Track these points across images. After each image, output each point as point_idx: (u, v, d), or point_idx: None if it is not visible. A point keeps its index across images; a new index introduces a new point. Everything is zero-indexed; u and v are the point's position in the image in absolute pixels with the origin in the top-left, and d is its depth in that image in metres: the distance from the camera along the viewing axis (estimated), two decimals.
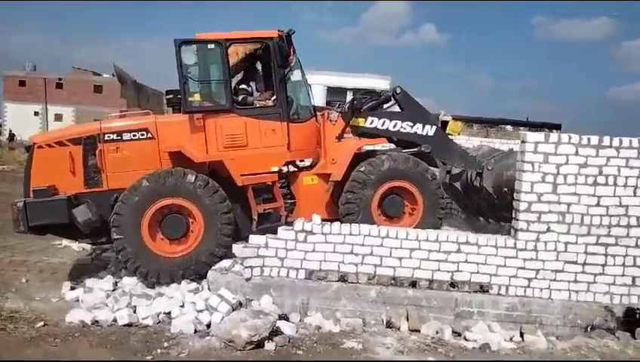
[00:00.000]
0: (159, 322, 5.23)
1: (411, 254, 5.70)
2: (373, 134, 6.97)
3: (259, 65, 7.46)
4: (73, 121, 43.16)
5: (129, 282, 6.17)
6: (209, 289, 5.71)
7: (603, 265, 5.62)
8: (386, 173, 6.47)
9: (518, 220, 5.64)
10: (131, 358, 4.42)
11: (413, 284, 5.72)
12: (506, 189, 6.61)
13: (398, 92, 7.00)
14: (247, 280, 5.70)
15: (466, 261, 5.68)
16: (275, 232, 5.83)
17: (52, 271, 7.18)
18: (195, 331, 4.97)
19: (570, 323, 5.59)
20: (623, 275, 5.62)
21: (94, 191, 6.27)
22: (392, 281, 5.73)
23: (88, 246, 8.30)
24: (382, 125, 6.93)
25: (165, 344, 4.68)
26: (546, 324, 5.58)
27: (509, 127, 21.04)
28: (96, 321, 5.27)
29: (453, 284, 5.71)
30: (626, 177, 5.56)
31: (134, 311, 5.44)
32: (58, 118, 42.80)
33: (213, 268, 5.96)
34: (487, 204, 7.52)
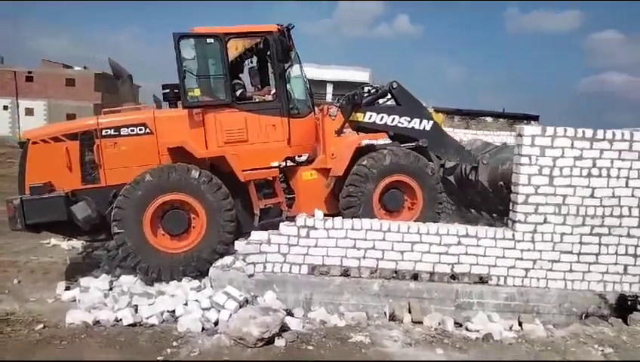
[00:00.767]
0: (164, 321, 5.17)
1: (413, 247, 5.78)
2: (371, 129, 7.01)
3: (254, 60, 7.38)
4: (45, 115, 41.95)
5: (126, 281, 6.08)
6: (211, 286, 5.67)
7: (597, 255, 5.80)
8: (387, 168, 6.52)
9: (516, 212, 5.76)
10: (144, 358, 4.35)
11: (415, 277, 5.80)
12: (501, 183, 6.72)
13: (394, 86, 7.04)
14: (250, 276, 5.69)
15: (465, 253, 5.79)
16: (277, 228, 5.82)
17: (44, 270, 7.02)
18: (203, 329, 4.93)
19: (566, 312, 5.77)
20: (615, 264, 5.82)
21: (92, 188, 6.16)
22: (394, 274, 5.80)
23: (78, 245, 8.16)
24: (380, 120, 6.98)
25: (174, 343, 4.63)
26: (543, 313, 5.75)
27: (489, 119, 21.43)
28: (98, 321, 5.17)
29: (453, 276, 5.81)
30: (619, 169, 5.72)
31: (136, 311, 5.36)
32: (29, 112, 41.47)
33: (214, 265, 5.93)
34: (481, 198, 7.66)
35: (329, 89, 33.22)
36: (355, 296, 5.73)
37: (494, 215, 8.05)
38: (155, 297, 5.53)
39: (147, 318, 5.14)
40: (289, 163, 6.91)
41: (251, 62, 7.39)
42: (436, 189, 6.68)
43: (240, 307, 5.05)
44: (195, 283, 5.79)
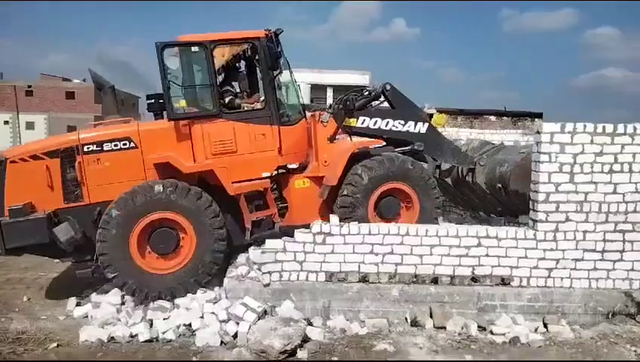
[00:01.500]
0: (180, 335, 5.02)
1: (432, 251, 5.64)
2: (365, 134, 6.78)
3: (242, 65, 7.08)
4: (46, 129, 41.86)
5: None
6: (227, 297, 5.52)
7: (621, 252, 5.65)
8: (383, 175, 6.27)
9: (537, 211, 5.62)
10: None
11: (435, 281, 5.65)
12: (499, 185, 6.57)
13: (387, 89, 6.81)
14: (266, 285, 5.54)
15: (486, 255, 5.65)
16: (271, 239, 5.67)
17: (53, 287, 6.87)
18: (222, 343, 4.79)
19: (592, 311, 5.61)
20: None
21: (75, 206, 5.91)
22: (414, 279, 5.65)
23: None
24: (374, 124, 6.75)
25: (194, 358, 4.49)
26: (568, 313, 5.59)
27: (492, 118, 21.27)
28: (113, 338, 5.03)
29: (474, 279, 5.66)
30: None
31: (151, 325, 5.22)
32: (30, 126, 41.41)
33: (228, 275, 5.77)
34: (479, 199, 7.51)
35: (329, 93, 33.12)
36: (375, 303, 5.58)
37: (492, 215, 7.93)
38: (169, 311, 5.38)
39: (163, 333, 5.00)
40: (281, 171, 6.56)
41: (240, 67, 7.08)
42: (434, 196, 6.43)
43: (259, 318, 4.90)
44: (211, 294, 5.63)
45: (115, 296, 5.97)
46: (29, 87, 43.59)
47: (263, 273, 5.56)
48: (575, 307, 5.60)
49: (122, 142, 5.96)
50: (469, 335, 5.13)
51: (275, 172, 6.49)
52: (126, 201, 5.62)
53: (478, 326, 5.39)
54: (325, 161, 6.53)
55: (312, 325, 5.24)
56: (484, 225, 6.35)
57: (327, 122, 6.66)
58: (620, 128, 5.57)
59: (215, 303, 5.41)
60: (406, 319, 5.51)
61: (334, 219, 5.75)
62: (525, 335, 5.11)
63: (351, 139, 6.93)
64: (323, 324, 5.36)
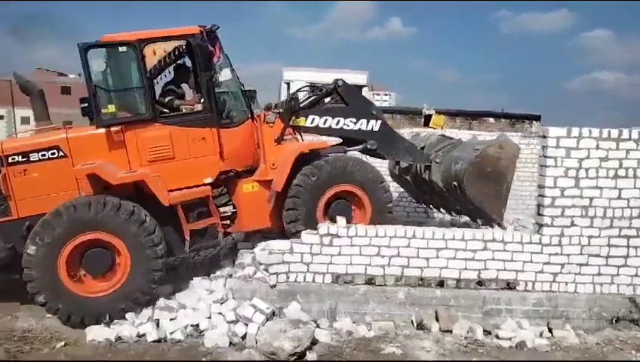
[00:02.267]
0: (188, 336, 5.02)
1: (438, 254, 5.66)
2: (316, 133, 6.67)
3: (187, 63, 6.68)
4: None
5: None
6: (233, 298, 5.52)
7: (626, 257, 5.68)
8: (332, 177, 6.14)
9: (542, 215, 5.65)
10: None
11: (441, 284, 5.68)
12: (455, 183, 6.53)
13: (340, 85, 6.64)
14: (273, 286, 5.55)
15: (492, 258, 5.67)
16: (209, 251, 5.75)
17: None
18: (231, 344, 4.79)
19: (596, 316, 5.64)
20: None
21: (2, 222, 5.60)
22: (420, 282, 5.67)
23: None
24: (324, 123, 6.56)
25: (204, 359, 4.49)
26: (573, 318, 5.62)
27: (491, 119, 21.40)
28: (120, 338, 5.02)
29: (480, 282, 5.69)
30: None
31: (158, 325, 5.21)
32: (25, 121, 41.14)
33: (235, 275, 5.78)
34: (439, 197, 7.46)
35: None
36: (381, 305, 5.60)
37: (452, 213, 7.93)
38: (176, 311, 5.37)
39: (171, 333, 4.99)
40: (230, 175, 6.31)
41: (190, 66, 6.63)
42: (384, 198, 6.36)
43: (267, 320, 4.91)
44: (217, 295, 5.63)
45: None
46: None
47: (270, 274, 5.56)
48: (579, 312, 5.64)
49: (50, 152, 5.59)
50: (476, 339, 5.16)
51: (223, 176, 6.20)
52: (49, 224, 5.23)
53: (484, 330, 5.42)
54: (273, 164, 6.27)
55: (319, 327, 5.25)
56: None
57: (273, 123, 6.42)
58: (625, 134, 5.60)
59: (222, 304, 5.40)
60: (412, 322, 5.53)
61: (341, 221, 5.76)
62: (531, 339, 5.15)
63: (302, 140, 6.75)
64: (329, 326, 5.37)
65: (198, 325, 5.14)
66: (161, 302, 5.56)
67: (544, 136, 5.71)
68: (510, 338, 5.18)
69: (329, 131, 6.68)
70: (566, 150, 5.59)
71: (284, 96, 14.61)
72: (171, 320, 5.23)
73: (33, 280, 5.27)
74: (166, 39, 6.02)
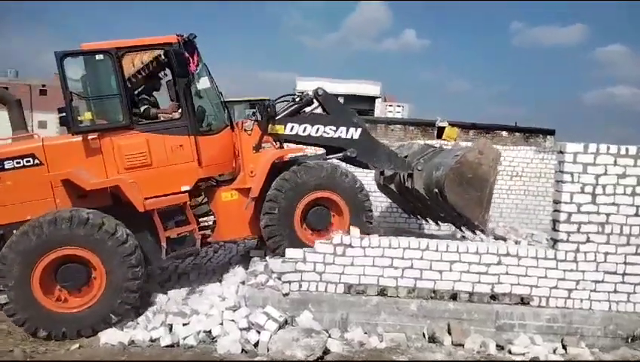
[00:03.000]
0: (201, 341, 5.05)
1: (451, 267, 5.63)
2: (295, 141, 6.67)
3: (165, 73, 6.69)
4: (57, 127, 42.27)
5: (160, 299, 5.97)
6: (246, 305, 5.54)
7: None
8: (310, 183, 6.15)
9: (558, 231, 5.61)
10: None
11: (454, 297, 5.65)
12: (436, 190, 6.49)
13: (320, 93, 6.62)
14: (285, 295, 5.56)
15: (506, 273, 5.63)
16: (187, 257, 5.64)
17: None
18: (243, 351, 4.81)
19: (612, 334, 5.57)
20: None
21: None
22: (433, 294, 5.65)
23: None
24: (303, 131, 6.55)
25: None
26: (587, 335, 5.56)
27: (504, 133, 21.30)
28: (133, 341, 5.08)
29: (493, 297, 5.65)
30: None
31: (170, 330, 5.25)
32: (42, 125, 41.97)
33: (248, 283, 5.81)
34: (422, 205, 7.42)
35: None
36: (392, 317, 5.58)
37: (439, 222, 7.86)
38: (189, 316, 5.41)
39: (184, 339, 5.03)
40: (211, 183, 6.34)
41: (161, 75, 6.70)
42: (363, 205, 6.33)
43: (279, 328, 4.92)
44: (229, 302, 5.66)
45: None
46: (44, 86, 44.14)
47: (283, 282, 5.58)
48: (594, 329, 5.57)
49: (25, 159, 5.53)
50: (489, 354, 5.13)
51: (203, 185, 6.23)
52: (18, 244, 5.18)
53: (497, 345, 5.37)
54: (252, 172, 6.29)
55: (330, 337, 5.25)
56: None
57: (251, 130, 6.45)
58: None
59: (234, 311, 5.43)
60: (424, 334, 5.51)
61: (355, 231, 5.77)
62: (545, 355, 5.10)
63: (282, 147, 6.76)
64: (341, 336, 5.37)
65: (210, 331, 5.17)
66: (174, 307, 5.61)
67: (561, 152, 5.68)
68: (523, 354, 5.14)
69: (308, 139, 6.66)
70: (583, 166, 5.56)
71: None
72: (184, 325, 5.28)
73: (8, 303, 5.19)
74: (143, 48, 6.07)
